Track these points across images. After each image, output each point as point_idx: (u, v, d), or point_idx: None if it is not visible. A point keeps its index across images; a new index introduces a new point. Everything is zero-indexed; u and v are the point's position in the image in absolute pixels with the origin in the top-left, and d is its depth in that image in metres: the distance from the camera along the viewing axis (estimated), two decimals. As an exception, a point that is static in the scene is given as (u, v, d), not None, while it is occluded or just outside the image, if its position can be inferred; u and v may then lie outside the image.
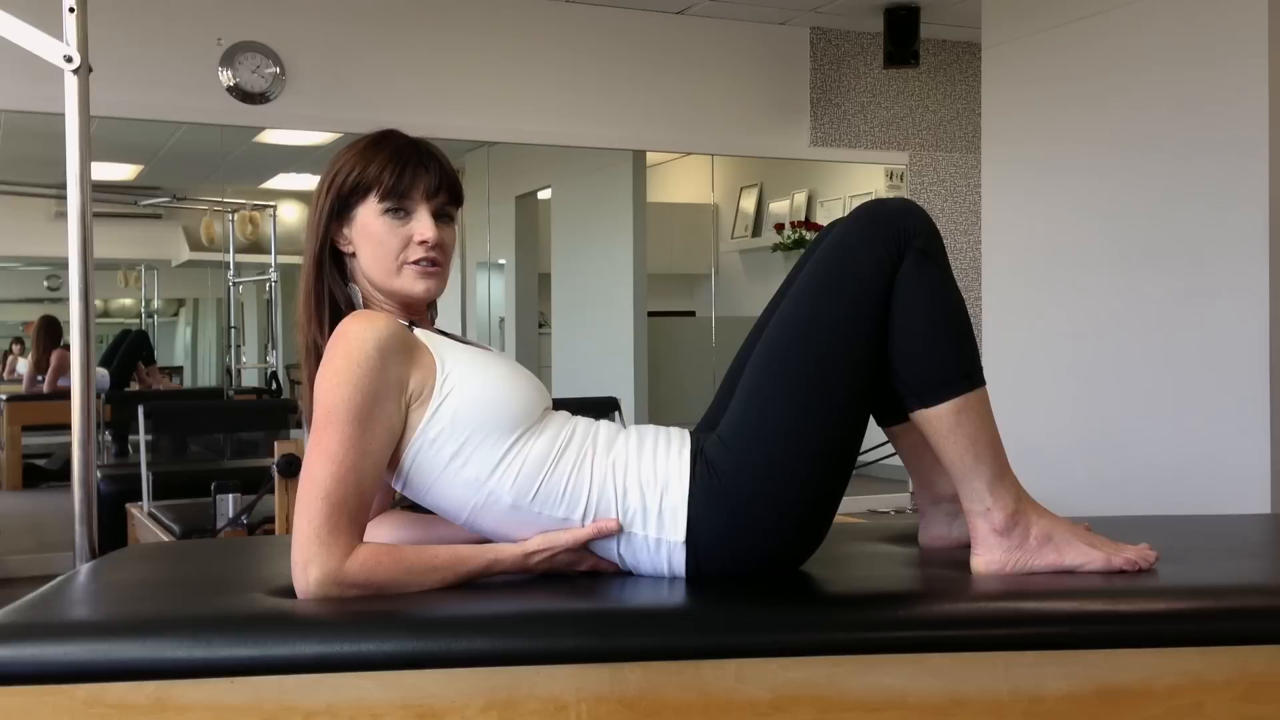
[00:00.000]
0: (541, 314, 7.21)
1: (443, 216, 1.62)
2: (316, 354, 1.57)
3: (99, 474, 2.98)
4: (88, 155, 2.17)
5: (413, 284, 1.60)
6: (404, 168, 1.58)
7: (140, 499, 4.06)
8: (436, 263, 1.61)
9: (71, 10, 2.17)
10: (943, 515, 1.79)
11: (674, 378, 6.91)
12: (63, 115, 2.16)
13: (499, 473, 1.53)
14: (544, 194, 7.17)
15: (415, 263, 1.59)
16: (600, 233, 6.99)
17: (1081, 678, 1.39)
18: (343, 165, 1.60)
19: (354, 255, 1.62)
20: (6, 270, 6.47)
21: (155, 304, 6.86)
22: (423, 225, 1.59)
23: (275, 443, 3.19)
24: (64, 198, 2.16)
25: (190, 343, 7.03)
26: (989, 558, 1.60)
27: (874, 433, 1.70)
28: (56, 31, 2.17)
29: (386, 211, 1.59)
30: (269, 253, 6.28)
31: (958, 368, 1.59)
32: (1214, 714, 1.40)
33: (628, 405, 5.64)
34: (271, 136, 5.54)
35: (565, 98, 5.61)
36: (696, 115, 5.88)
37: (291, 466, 3.04)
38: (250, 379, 6.52)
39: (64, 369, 6.01)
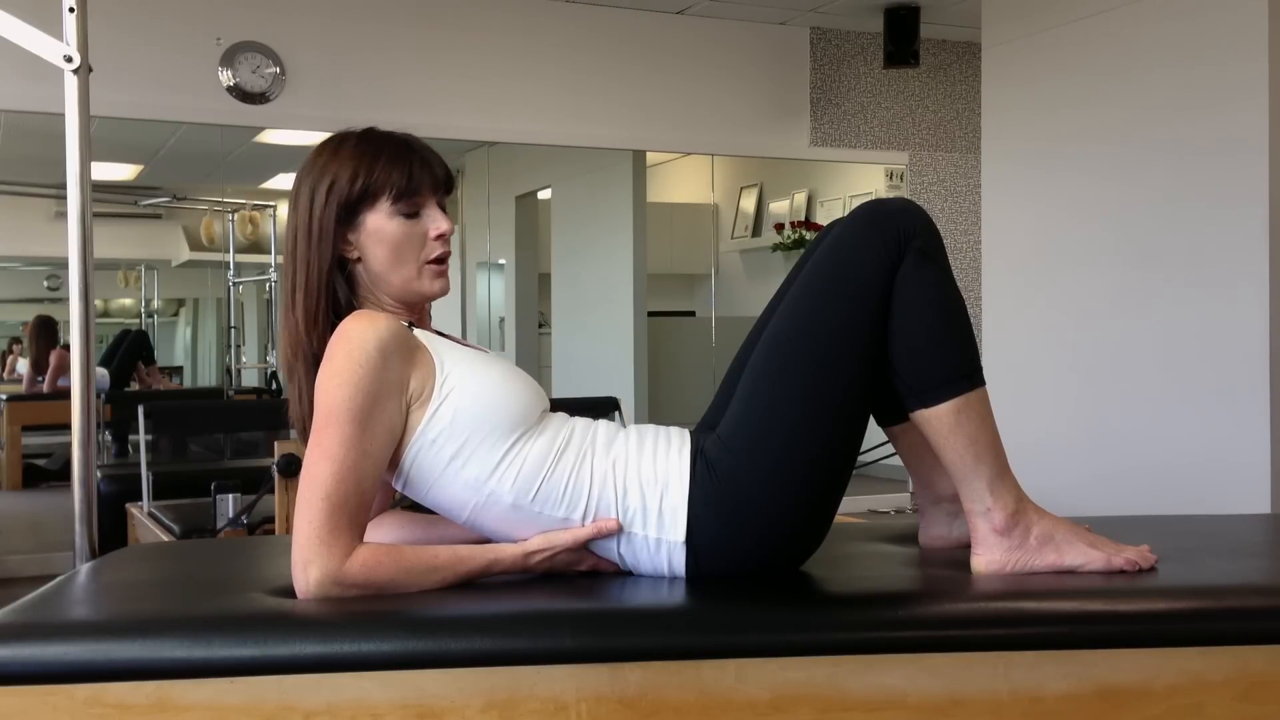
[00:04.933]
0: (541, 314, 7.21)
1: (442, 208, 1.63)
2: (314, 363, 1.57)
3: (99, 474, 2.98)
4: (88, 155, 2.17)
5: (432, 284, 1.62)
6: (411, 167, 1.58)
7: (140, 499, 4.06)
8: (446, 258, 1.63)
9: (71, 10, 2.17)
10: (943, 515, 1.79)
11: (674, 378, 6.91)
12: (63, 115, 2.16)
13: (499, 473, 1.53)
14: (544, 194, 7.18)
15: (433, 260, 1.61)
16: (600, 233, 6.99)
17: (1081, 678, 1.39)
18: (339, 170, 1.57)
19: (358, 260, 1.61)
20: (6, 270, 6.46)
21: (155, 304, 6.86)
22: (437, 220, 1.61)
23: (275, 443, 3.19)
24: (64, 198, 2.16)
25: (190, 343, 7.03)
26: (989, 558, 1.60)
27: (874, 433, 1.70)
28: (56, 31, 2.17)
29: (399, 213, 1.58)
30: (269, 253, 6.28)
31: (958, 367, 1.59)
32: (1214, 714, 1.40)
33: (628, 405, 5.64)
34: (271, 136, 5.54)
35: (565, 98, 5.61)
36: (696, 115, 5.88)
37: (291, 466, 3.04)
38: (250, 379, 6.52)
39: (64, 369, 6.01)
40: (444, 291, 1.63)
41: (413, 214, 1.59)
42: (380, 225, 1.58)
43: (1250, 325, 3.91)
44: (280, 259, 6.15)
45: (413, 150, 1.60)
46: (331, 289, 1.59)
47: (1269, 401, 3.86)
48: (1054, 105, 4.66)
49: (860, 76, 6.20)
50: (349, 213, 1.58)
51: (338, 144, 1.61)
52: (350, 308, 1.60)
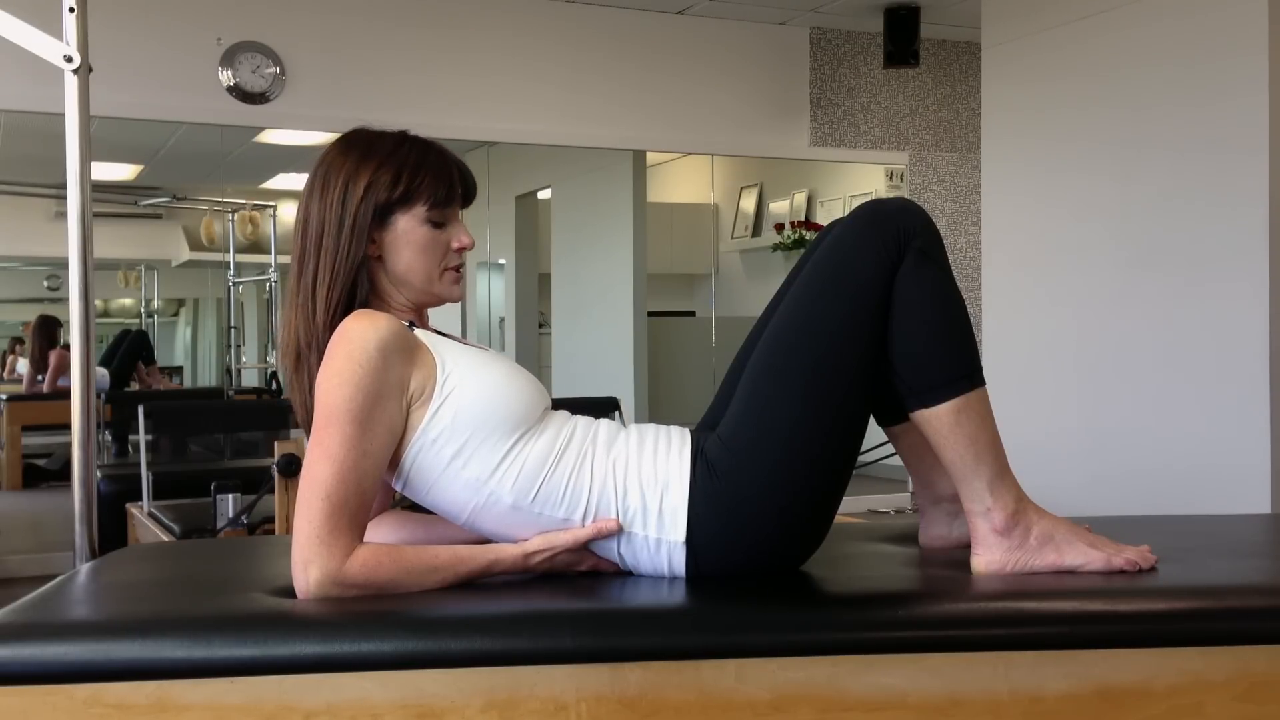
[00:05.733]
0: (541, 314, 7.21)
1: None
2: (319, 354, 1.57)
3: (99, 474, 2.98)
4: (88, 155, 2.17)
5: (451, 289, 1.66)
6: (452, 180, 1.62)
7: (140, 499, 4.06)
8: (461, 266, 1.67)
9: (71, 10, 2.17)
10: (943, 515, 1.79)
11: (674, 378, 6.91)
12: (63, 115, 2.16)
13: (499, 473, 1.53)
14: (544, 194, 7.18)
15: (452, 269, 1.65)
16: (600, 233, 6.99)
17: (1081, 678, 1.39)
18: (380, 170, 1.59)
19: (379, 258, 1.62)
20: (6, 270, 6.46)
21: (155, 304, 6.86)
22: (462, 233, 1.65)
23: (275, 443, 3.18)
24: (64, 198, 2.16)
25: (190, 343, 7.03)
26: (989, 558, 1.60)
27: (874, 433, 1.70)
28: (56, 31, 2.17)
29: (429, 221, 1.61)
30: (269, 253, 6.28)
31: (958, 367, 1.59)
32: (1214, 714, 1.40)
33: (628, 405, 5.64)
34: (271, 136, 5.54)
35: (565, 98, 5.61)
36: (696, 115, 5.88)
37: (291, 466, 3.04)
38: (250, 379, 6.52)
39: (64, 369, 6.01)
40: (461, 297, 1.67)
41: (440, 223, 1.62)
42: (410, 229, 1.60)
43: (1250, 324, 3.91)
44: (281, 258, 6.18)
45: (452, 163, 1.64)
46: (358, 282, 1.59)
47: (1269, 401, 3.86)
48: (1054, 105, 4.65)
49: (860, 76, 6.20)
50: (383, 212, 1.59)
51: (371, 142, 1.62)
52: (364, 304, 1.61)
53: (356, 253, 1.59)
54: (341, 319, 1.55)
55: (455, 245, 1.63)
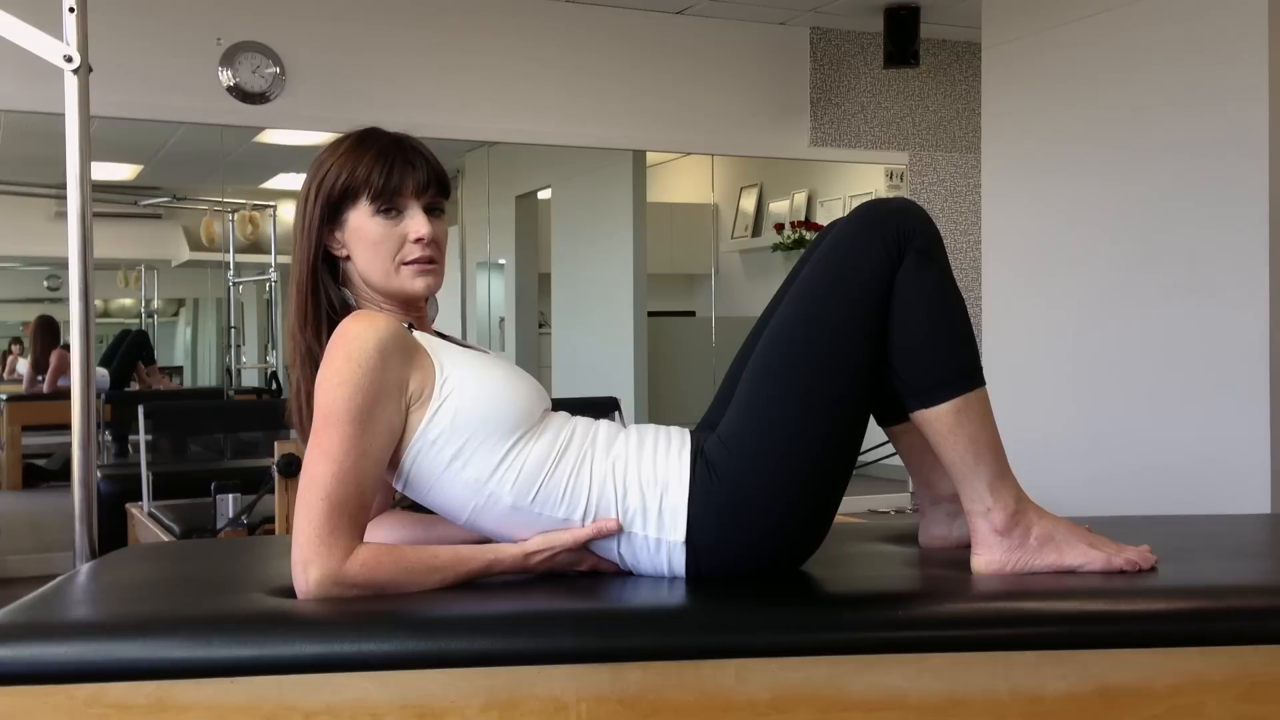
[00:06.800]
0: (541, 314, 7.21)
1: (433, 210, 1.62)
2: (312, 361, 1.57)
3: (99, 474, 2.97)
4: (88, 155, 2.17)
5: (411, 282, 1.60)
6: (391, 166, 1.58)
7: (140, 499, 4.06)
8: (433, 259, 1.61)
9: (71, 10, 2.16)
10: (943, 515, 1.79)
11: (674, 378, 6.91)
12: (63, 115, 2.16)
13: (499, 474, 1.53)
14: (544, 194, 7.18)
15: (412, 261, 1.59)
16: (600, 233, 6.99)
17: (1081, 678, 1.39)
18: (329, 169, 1.59)
19: (348, 258, 1.61)
20: (6, 270, 6.46)
21: (155, 304, 6.86)
22: (417, 222, 1.59)
23: (275, 443, 3.18)
24: (64, 198, 2.16)
25: (190, 343, 7.03)
26: (989, 558, 1.60)
27: (874, 433, 1.70)
28: (56, 31, 2.17)
29: (378, 212, 1.58)
30: (269, 253, 6.28)
31: (958, 368, 1.59)
32: (1214, 714, 1.40)
33: (628, 405, 5.64)
34: (271, 136, 5.54)
35: (565, 98, 5.61)
36: (696, 115, 5.88)
37: (291, 466, 3.04)
38: (250, 379, 6.52)
39: (64, 369, 6.01)
40: (428, 290, 1.62)
41: (393, 215, 1.59)
42: (360, 224, 1.59)
43: (1250, 324, 3.91)
44: (280, 259, 6.18)
45: (400, 150, 1.60)
46: (319, 286, 1.59)
47: (1269, 401, 3.86)
48: (1054, 105, 4.65)
49: (860, 76, 6.20)
50: (334, 211, 1.59)
51: (338, 143, 1.62)
52: (346, 306, 1.60)
53: (311, 254, 1.59)
54: (320, 323, 1.57)
55: (411, 236, 1.58)
